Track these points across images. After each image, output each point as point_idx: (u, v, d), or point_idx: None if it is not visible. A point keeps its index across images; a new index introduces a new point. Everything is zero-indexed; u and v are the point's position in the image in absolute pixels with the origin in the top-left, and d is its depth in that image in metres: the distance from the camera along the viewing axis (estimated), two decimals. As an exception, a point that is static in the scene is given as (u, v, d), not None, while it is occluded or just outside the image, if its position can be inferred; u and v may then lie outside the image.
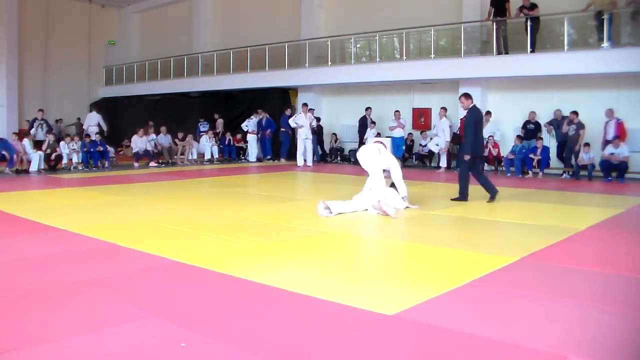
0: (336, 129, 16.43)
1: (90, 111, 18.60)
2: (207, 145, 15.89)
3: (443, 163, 13.25)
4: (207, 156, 15.81)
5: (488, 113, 12.85)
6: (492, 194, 7.64)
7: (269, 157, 16.01)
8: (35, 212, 6.56)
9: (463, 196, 7.73)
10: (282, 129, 15.47)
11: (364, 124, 14.58)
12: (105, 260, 4.44)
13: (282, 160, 15.56)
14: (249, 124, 15.89)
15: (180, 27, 21.40)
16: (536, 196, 8.63)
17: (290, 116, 15.04)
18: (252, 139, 15.97)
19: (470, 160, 7.65)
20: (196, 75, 18.99)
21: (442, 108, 13.13)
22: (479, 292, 3.62)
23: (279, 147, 15.80)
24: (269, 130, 15.79)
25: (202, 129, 16.89)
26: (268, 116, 15.96)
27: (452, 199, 7.79)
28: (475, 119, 7.67)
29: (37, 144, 13.15)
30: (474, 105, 7.82)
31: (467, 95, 7.83)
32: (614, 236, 5.68)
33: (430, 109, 14.47)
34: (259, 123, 15.87)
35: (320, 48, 15.93)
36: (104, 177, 11.52)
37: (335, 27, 16.19)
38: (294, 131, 14.94)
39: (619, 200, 8.15)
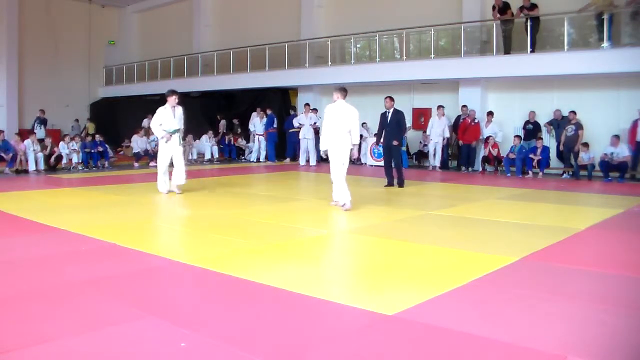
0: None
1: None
2: (207, 145, 15.88)
3: (437, 162, 13.27)
4: (207, 156, 15.80)
5: (490, 113, 12.85)
6: (400, 182, 9.26)
7: (272, 161, 15.54)
8: (35, 212, 6.55)
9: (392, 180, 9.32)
10: (291, 130, 15.32)
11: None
12: (105, 260, 4.44)
13: (287, 160, 15.48)
14: (255, 124, 15.82)
15: (180, 27, 21.39)
16: (536, 196, 8.62)
17: (295, 116, 15.13)
18: (256, 139, 15.91)
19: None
20: (196, 75, 18.98)
21: (440, 106, 13.20)
22: (479, 292, 3.61)
23: (286, 147, 15.50)
24: (269, 129, 15.51)
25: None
26: (269, 113, 15.57)
27: (385, 185, 9.30)
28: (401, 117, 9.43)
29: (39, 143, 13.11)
30: (395, 108, 9.37)
31: (391, 98, 9.30)
32: (614, 236, 5.68)
33: (430, 109, 14.45)
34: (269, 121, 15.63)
35: (320, 48, 15.92)
36: (104, 177, 11.51)
37: (335, 27, 16.18)
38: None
39: (619, 200, 8.15)
